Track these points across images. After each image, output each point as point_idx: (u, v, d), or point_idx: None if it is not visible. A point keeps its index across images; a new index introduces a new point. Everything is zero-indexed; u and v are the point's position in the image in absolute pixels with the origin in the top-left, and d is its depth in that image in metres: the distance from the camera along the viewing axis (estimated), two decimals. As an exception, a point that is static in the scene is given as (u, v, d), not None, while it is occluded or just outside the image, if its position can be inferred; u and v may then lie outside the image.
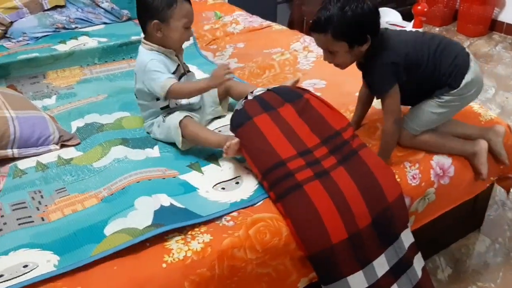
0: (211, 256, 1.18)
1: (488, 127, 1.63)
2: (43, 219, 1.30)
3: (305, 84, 1.94)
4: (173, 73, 1.60)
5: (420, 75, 1.45)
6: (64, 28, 2.53)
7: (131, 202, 1.30)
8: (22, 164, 1.54)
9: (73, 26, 2.56)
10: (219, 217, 1.28)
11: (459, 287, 1.69)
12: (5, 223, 1.28)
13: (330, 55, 1.43)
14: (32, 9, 2.57)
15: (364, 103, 1.64)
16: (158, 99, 1.60)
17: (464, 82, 1.45)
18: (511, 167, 1.70)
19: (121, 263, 1.15)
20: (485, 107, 1.82)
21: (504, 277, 1.72)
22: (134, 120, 1.77)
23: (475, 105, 1.79)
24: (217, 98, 1.74)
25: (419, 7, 3.46)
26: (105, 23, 2.64)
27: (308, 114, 1.46)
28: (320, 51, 2.21)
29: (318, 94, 1.76)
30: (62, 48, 2.22)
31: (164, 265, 1.14)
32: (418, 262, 1.42)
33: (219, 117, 1.77)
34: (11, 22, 2.48)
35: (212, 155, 1.54)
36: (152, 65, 1.54)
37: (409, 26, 3.54)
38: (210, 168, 1.48)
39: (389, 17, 3.65)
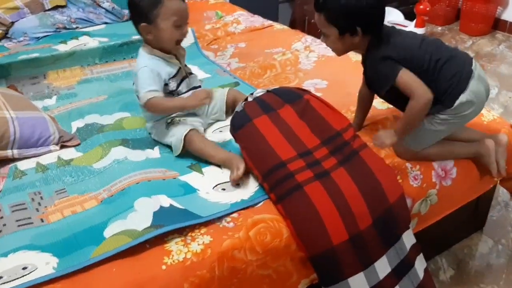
0: (211, 258, 1.17)
1: (491, 134, 1.59)
2: (42, 221, 1.29)
3: (306, 84, 1.94)
4: (174, 76, 1.59)
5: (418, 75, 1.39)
6: (65, 28, 2.53)
7: (131, 204, 1.29)
8: (22, 165, 1.54)
9: (74, 26, 2.56)
10: (219, 218, 1.27)
11: (461, 288, 1.68)
12: (4, 225, 1.28)
13: (324, 37, 1.44)
14: (33, 9, 2.57)
15: (364, 104, 1.63)
16: None
17: (457, 102, 1.39)
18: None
19: (120, 264, 1.14)
20: (487, 107, 1.80)
21: (507, 278, 1.71)
22: (134, 120, 1.77)
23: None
24: (224, 106, 1.73)
25: (421, 6, 3.45)
26: (106, 23, 2.64)
27: (309, 115, 1.45)
28: (321, 52, 2.22)
29: (319, 94, 1.75)
30: (63, 48, 2.22)
31: (163, 266, 1.14)
32: (420, 263, 1.41)
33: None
34: (12, 22, 2.48)
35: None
36: (141, 73, 1.53)
37: (411, 26, 3.53)
38: (210, 169, 1.48)
39: (391, 17, 3.64)
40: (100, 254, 1.15)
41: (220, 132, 1.67)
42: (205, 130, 1.68)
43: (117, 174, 1.43)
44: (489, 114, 1.74)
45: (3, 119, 1.56)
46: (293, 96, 1.51)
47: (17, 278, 1.10)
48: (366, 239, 1.28)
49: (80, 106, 1.88)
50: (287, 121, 1.43)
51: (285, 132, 1.40)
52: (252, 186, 1.39)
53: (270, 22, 2.67)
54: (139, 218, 1.24)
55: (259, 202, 1.33)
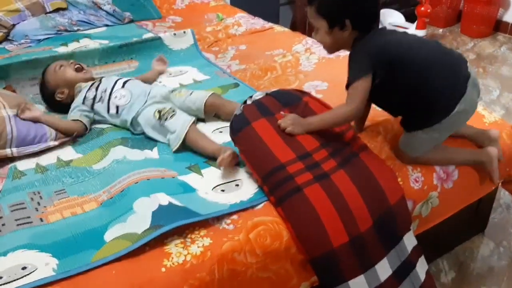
0: (211, 260, 1.17)
1: (484, 130, 1.59)
2: (41, 220, 1.29)
3: (307, 86, 1.93)
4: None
5: (404, 83, 1.36)
6: (66, 30, 2.53)
7: (130, 205, 1.29)
8: (21, 166, 1.54)
9: (75, 28, 2.56)
10: (219, 221, 1.26)
11: (463, 291, 1.67)
12: (3, 224, 1.27)
13: (315, 31, 1.42)
14: (34, 11, 2.58)
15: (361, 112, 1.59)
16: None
17: (452, 112, 1.36)
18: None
19: (120, 267, 1.14)
20: (489, 109, 1.80)
21: (509, 281, 1.70)
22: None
23: (479, 107, 1.76)
24: (202, 111, 1.72)
25: (422, 8, 3.45)
26: (107, 25, 2.64)
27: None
28: (322, 54, 2.22)
29: (320, 96, 1.75)
30: (63, 50, 2.22)
31: (163, 269, 1.13)
32: (422, 265, 1.40)
33: (220, 120, 1.75)
34: (13, 25, 2.49)
35: (212, 158, 1.52)
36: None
37: (412, 28, 3.53)
38: (210, 171, 1.47)
39: (392, 18, 3.64)
40: (101, 258, 1.14)
41: (220, 133, 1.67)
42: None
43: (117, 174, 1.43)
44: (490, 116, 1.73)
45: (1, 118, 1.56)
46: (292, 99, 1.51)
47: (17, 279, 1.10)
48: (366, 241, 1.27)
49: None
50: None
51: (284, 135, 1.39)
52: (251, 188, 1.38)
53: (270, 24, 2.67)
54: (139, 220, 1.23)
55: (259, 204, 1.32)
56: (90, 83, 1.82)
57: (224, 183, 1.41)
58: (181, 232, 1.22)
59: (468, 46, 3.70)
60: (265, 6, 3.47)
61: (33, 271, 1.12)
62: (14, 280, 1.09)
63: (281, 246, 1.24)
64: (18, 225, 1.27)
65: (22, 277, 1.10)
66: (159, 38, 2.29)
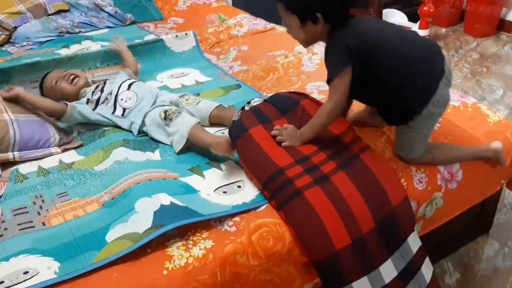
0: (213, 263, 1.16)
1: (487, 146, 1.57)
2: (44, 224, 1.29)
3: (309, 87, 1.92)
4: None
5: (378, 76, 1.35)
6: (68, 32, 2.53)
7: (132, 205, 1.28)
8: (23, 169, 1.54)
9: (77, 30, 2.56)
10: (221, 223, 1.26)
11: (467, 292, 1.66)
12: (5, 229, 1.27)
13: (288, 28, 1.39)
14: (36, 14, 2.58)
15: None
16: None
17: (425, 110, 1.35)
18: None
19: (121, 269, 1.13)
20: (493, 108, 1.79)
21: (514, 282, 1.69)
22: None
23: (483, 107, 1.75)
24: (207, 121, 1.72)
25: (425, 8, 3.43)
26: (109, 27, 2.65)
27: (305, 123, 1.43)
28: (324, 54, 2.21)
29: (322, 96, 1.74)
30: (65, 52, 2.22)
31: (165, 272, 1.12)
32: (427, 267, 1.39)
33: (220, 123, 1.75)
34: (15, 27, 2.49)
35: (214, 160, 1.52)
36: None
37: (415, 27, 3.51)
38: (211, 172, 1.46)
39: (395, 18, 3.63)
40: (102, 259, 1.14)
41: (222, 134, 1.66)
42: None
43: (118, 175, 1.43)
44: (494, 116, 1.72)
45: (3, 122, 1.56)
46: (290, 105, 1.50)
47: (19, 283, 1.09)
48: (369, 242, 1.26)
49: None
50: None
51: None
52: (254, 190, 1.37)
53: (272, 25, 2.66)
54: (140, 220, 1.23)
55: (261, 206, 1.31)
56: (94, 86, 1.81)
57: (226, 184, 1.40)
58: (183, 234, 1.21)
59: (472, 46, 3.68)
60: (267, 7, 3.46)
61: (35, 275, 1.11)
62: (16, 284, 1.09)
63: (284, 248, 1.23)
64: (20, 229, 1.26)
65: (24, 281, 1.10)
66: (161, 40, 2.29)
